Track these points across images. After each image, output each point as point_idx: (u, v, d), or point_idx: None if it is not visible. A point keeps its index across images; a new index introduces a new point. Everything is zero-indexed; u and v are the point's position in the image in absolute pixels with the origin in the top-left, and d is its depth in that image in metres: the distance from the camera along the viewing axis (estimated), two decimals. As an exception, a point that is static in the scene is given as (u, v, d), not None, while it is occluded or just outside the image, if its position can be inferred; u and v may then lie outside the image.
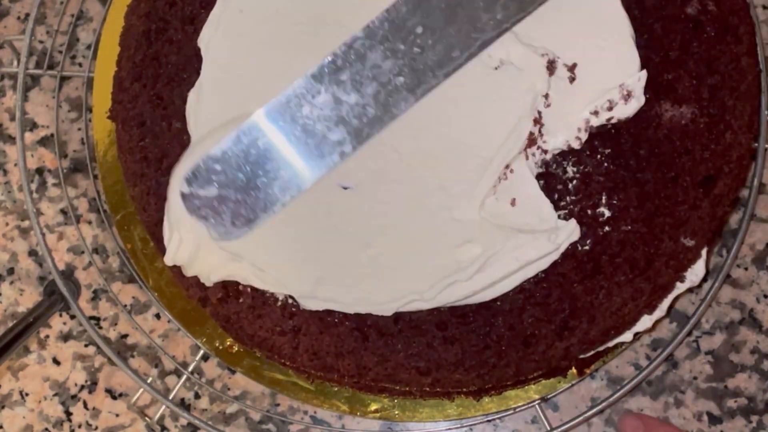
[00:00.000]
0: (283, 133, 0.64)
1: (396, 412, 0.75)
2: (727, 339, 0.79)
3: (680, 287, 0.69)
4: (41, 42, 0.89)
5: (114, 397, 0.82)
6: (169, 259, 0.71)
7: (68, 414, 0.82)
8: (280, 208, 0.66)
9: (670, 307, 0.70)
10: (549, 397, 0.76)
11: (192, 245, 0.70)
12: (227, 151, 0.65)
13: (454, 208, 0.67)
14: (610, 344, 0.71)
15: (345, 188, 0.69)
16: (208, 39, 0.73)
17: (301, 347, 0.72)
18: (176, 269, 0.74)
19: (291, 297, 0.71)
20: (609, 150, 0.70)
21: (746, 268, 0.80)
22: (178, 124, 0.74)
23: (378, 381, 0.72)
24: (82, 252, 0.84)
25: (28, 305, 0.84)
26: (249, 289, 0.72)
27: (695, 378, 0.78)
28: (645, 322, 0.70)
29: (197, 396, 0.81)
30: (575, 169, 0.70)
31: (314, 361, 0.72)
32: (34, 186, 0.86)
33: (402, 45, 0.62)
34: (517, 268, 0.67)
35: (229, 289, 0.72)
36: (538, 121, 0.68)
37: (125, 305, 0.83)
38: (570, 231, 0.67)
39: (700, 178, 0.69)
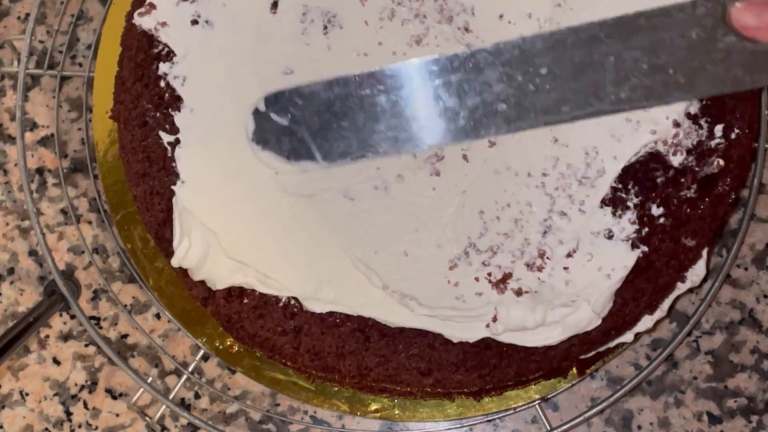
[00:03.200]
0: (371, 96, 0.63)
1: (396, 412, 0.75)
2: (727, 339, 0.79)
3: (681, 287, 0.69)
4: (41, 42, 0.89)
5: (114, 397, 0.82)
6: (176, 262, 0.71)
7: (68, 414, 0.82)
8: (345, 163, 0.66)
9: (671, 307, 0.71)
10: (549, 397, 0.76)
11: (201, 251, 0.70)
12: (316, 92, 0.64)
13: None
14: (611, 344, 0.71)
15: (351, 199, 0.70)
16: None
17: (302, 347, 0.72)
18: (182, 270, 0.74)
19: (293, 298, 0.71)
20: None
21: (746, 268, 0.80)
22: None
23: (379, 381, 0.72)
24: (82, 252, 0.84)
25: (28, 305, 0.84)
26: (254, 290, 0.72)
27: (695, 378, 0.78)
28: (646, 322, 0.70)
29: (197, 396, 0.81)
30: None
31: (315, 362, 0.72)
32: (34, 186, 0.86)
33: (520, 77, 0.61)
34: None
35: (232, 288, 0.72)
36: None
37: (125, 305, 0.83)
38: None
39: (700, 178, 0.69)
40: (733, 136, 0.69)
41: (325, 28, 0.73)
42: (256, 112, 0.66)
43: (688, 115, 0.69)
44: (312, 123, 0.64)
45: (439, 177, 0.70)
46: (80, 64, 0.88)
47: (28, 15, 0.89)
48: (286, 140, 0.65)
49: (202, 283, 0.73)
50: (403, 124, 0.63)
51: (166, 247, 0.74)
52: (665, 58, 0.58)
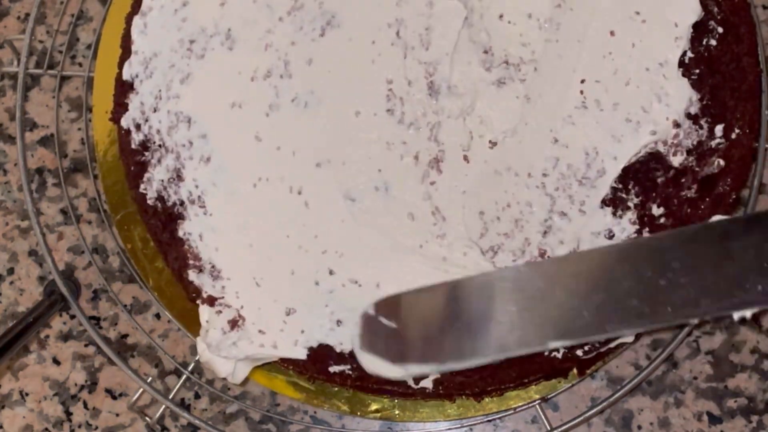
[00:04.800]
0: (488, 303, 0.61)
1: (396, 412, 0.75)
2: (727, 339, 0.79)
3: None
4: (41, 42, 0.89)
5: (114, 397, 0.82)
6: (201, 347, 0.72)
7: (68, 414, 0.82)
8: (447, 368, 0.63)
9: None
10: (549, 397, 0.76)
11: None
12: (426, 297, 0.63)
13: None
14: (611, 345, 0.71)
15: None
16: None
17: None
18: (177, 272, 0.74)
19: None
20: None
21: (746, 268, 0.80)
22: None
23: (380, 383, 0.72)
24: (82, 252, 0.84)
25: (28, 305, 0.84)
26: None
27: (695, 378, 0.78)
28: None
29: (197, 396, 0.81)
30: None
31: (316, 364, 0.72)
32: (34, 186, 0.86)
33: (649, 272, 0.58)
34: None
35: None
36: None
37: (125, 305, 0.83)
38: None
39: (700, 178, 0.69)
40: (733, 136, 0.69)
41: None
42: (365, 316, 0.64)
43: (689, 116, 0.69)
44: (420, 328, 0.63)
45: (440, 176, 0.70)
46: (80, 64, 0.88)
47: (28, 15, 0.89)
48: (393, 343, 0.63)
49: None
50: (523, 325, 0.60)
51: (164, 249, 0.75)
52: None
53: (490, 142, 0.70)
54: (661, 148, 0.69)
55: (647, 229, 0.69)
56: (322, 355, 0.71)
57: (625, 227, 0.68)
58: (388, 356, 0.62)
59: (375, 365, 0.63)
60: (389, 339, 0.63)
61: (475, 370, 0.70)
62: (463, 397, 0.74)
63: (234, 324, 0.71)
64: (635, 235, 0.68)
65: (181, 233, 0.73)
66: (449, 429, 0.77)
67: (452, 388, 0.72)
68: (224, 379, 0.72)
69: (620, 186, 0.69)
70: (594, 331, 0.59)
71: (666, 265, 0.58)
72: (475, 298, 0.61)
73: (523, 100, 0.70)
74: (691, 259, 0.58)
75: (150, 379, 0.77)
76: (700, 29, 0.71)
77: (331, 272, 0.71)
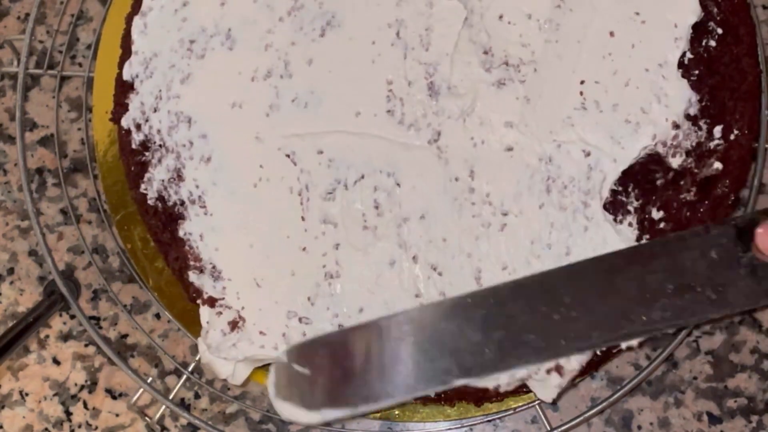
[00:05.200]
0: (394, 345, 0.63)
1: (396, 412, 0.75)
2: (727, 339, 0.79)
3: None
4: (41, 42, 0.89)
5: (114, 397, 0.82)
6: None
7: (68, 414, 0.82)
8: (361, 411, 0.64)
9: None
10: (549, 397, 0.76)
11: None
12: (337, 340, 0.65)
13: None
14: (615, 350, 0.71)
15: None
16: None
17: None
18: (177, 273, 0.74)
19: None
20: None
21: (746, 269, 0.80)
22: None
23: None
24: (82, 252, 0.84)
25: (28, 305, 0.84)
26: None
27: (695, 378, 0.78)
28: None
29: (197, 396, 0.81)
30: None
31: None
32: (34, 186, 0.86)
33: (543, 307, 0.60)
34: None
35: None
36: None
37: (125, 305, 0.83)
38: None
39: (699, 180, 0.69)
40: (732, 137, 0.69)
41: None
42: (278, 366, 0.65)
43: (688, 117, 0.69)
44: (334, 371, 0.63)
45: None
46: (80, 64, 0.88)
47: (28, 15, 0.89)
48: (307, 390, 0.64)
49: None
50: (428, 364, 0.61)
51: (164, 249, 0.75)
52: (690, 278, 0.58)
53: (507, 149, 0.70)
54: (661, 150, 0.69)
55: (647, 235, 0.69)
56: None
57: (627, 235, 0.68)
58: (303, 403, 0.63)
59: (291, 413, 0.64)
60: (303, 385, 0.63)
61: None
62: (464, 402, 0.74)
63: (234, 325, 0.71)
64: (636, 242, 0.68)
65: (181, 233, 0.73)
66: (449, 429, 0.77)
67: (453, 394, 0.72)
68: (224, 379, 0.72)
69: (620, 188, 0.69)
70: (497, 367, 0.61)
71: (558, 299, 0.60)
72: (381, 340, 0.62)
73: (523, 101, 0.70)
74: (581, 293, 0.60)
75: (150, 379, 0.77)
76: (699, 30, 0.71)
77: (332, 275, 0.70)
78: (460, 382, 0.61)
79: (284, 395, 0.64)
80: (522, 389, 0.73)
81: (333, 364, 0.63)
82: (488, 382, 0.69)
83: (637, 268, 0.59)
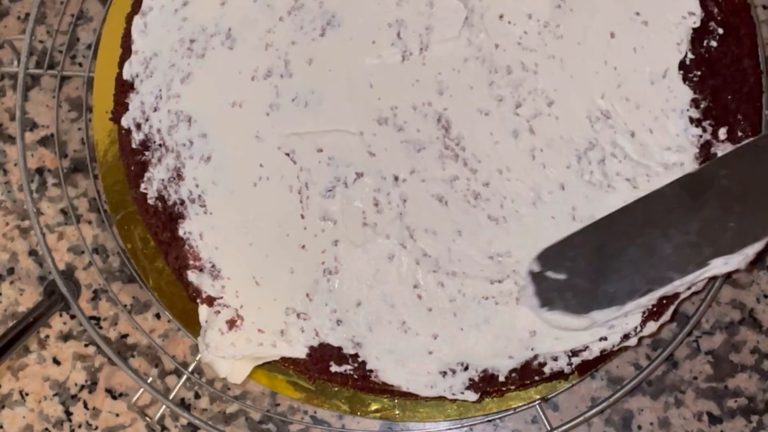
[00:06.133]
0: (638, 231, 0.64)
1: (396, 412, 0.75)
2: (727, 339, 0.79)
3: (685, 291, 0.69)
4: (41, 42, 0.89)
5: (114, 397, 0.82)
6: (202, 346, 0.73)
7: (68, 414, 0.82)
8: (621, 309, 0.66)
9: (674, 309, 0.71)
10: (549, 397, 0.76)
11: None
12: (584, 239, 0.65)
13: None
14: (615, 348, 0.71)
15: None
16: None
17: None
18: (177, 272, 0.74)
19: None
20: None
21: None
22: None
23: (382, 384, 0.72)
24: (82, 252, 0.84)
25: (28, 305, 0.84)
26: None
27: (695, 378, 0.78)
28: (651, 327, 0.70)
29: (197, 396, 0.81)
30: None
31: (317, 364, 0.72)
32: (34, 186, 0.86)
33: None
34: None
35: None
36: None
37: (125, 305, 0.83)
38: None
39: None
40: (734, 137, 0.70)
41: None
42: (533, 274, 0.66)
43: (691, 119, 0.69)
44: (588, 272, 0.64)
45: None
46: (80, 64, 0.88)
47: (28, 15, 0.89)
48: (569, 295, 0.65)
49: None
50: (677, 247, 0.63)
51: (164, 248, 0.75)
52: None
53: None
54: None
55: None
56: (322, 354, 0.71)
57: None
58: (568, 309, 0.65)
59: (560, 321, 0.66)
60: (562, 292, 0.65)
61: None
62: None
63: (232, 324, 0.71)
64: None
65: (181, 232, 0.73)
66: (449, 429, 0.77)
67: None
68: (224, 378, 0.72)
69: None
70: (744, 242, 0.62)
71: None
72: (630, 229, 0.64)
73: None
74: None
75: (150, 379, 0.77)
76: (700, 31, 0.71)
77: (330, 271, 0.71)
78: (717, 261, 0.63)
79: (547, 305, 0.66)
80: (521, 387, 0.73)
81: (587, 263, 0.64)
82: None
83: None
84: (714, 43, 0.71)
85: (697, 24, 0.70)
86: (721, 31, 0.71)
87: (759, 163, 0.63)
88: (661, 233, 0.63)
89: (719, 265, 0.63)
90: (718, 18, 0.71)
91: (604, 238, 0.64)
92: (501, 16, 0.72)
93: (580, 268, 0.65)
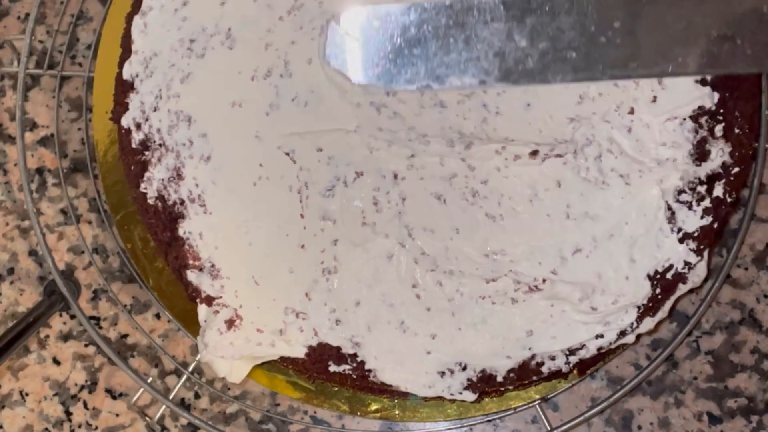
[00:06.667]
0: (445, 29, 0.63)
1: (396, 412, 0.75)
2: (727, 339, 0.79)
3: (682, 288, 0.69)
4: (41, 42, 0.89)
5: (114, 397, 0.82)
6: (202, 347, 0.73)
7: (68, 414, 0.82)
8: (408, 89, 0.66)
9: (671, 307, 0.70)
10: (549, 397, 0.76)
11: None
12: (392, 15, 0.64)
13: None
14: (613, 345, 0.71)
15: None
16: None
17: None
18: (177, 272, 0.74)
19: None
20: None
21: (746, 268, 0.80)
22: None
23: (380, 384, 0.72)
24: (82, 252, 0.84)
25: (28, 305, 0.84)
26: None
27: (695, 378, 0.78)
28: (648, 323, 0.70)
29: (197, 396, 0.81)
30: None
31: (316, 363, 0.72)
32: (34, 186, 0.86)
33: (593, 27, 0.61)
34: None
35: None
36: None
37: (125, 305, 0.83)
38: None
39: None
40: (733, 136, 0.69)
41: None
42: (332, 28, 0.66)
43: (691, 118, 0.69)
44: (384, 46, 0.64)
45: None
46: (80, 64, 0.88)
47: (28, 15, 0.89)
48: (356, 60, 0.65)
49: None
50: (472, 59, 0.62)
51: (164, 248, 0.75)
52: (734, 29, 0.58)
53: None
54: None
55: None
56: (321, 354, 0.71)
57: None
58: (348, 70, 0.65)
59: (335, 78, 0.67)
60: (353, 54, 0.65)
61: None
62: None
63: (231, 324, 0.71)
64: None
65: (181, 232, 0.73)
66: (449, 429, 0.77)
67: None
68: (224, 378, 0.72)
69: None
70: (534, 78, 0.62)
71: (609, 22, 0.60)
72: (436, 27, 0.63)
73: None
74: (631, 21, 0.60)
75: (150, 379, 0.77)
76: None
77: (330, 271, 0.71)
78: (497, 86, 0.63)
79: (332, 57, 0.66)
80: (520, 387, 0.73)
81: (384, 38, 0.64)
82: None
83: (689, 5, 0.59)
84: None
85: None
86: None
87: (577, 13, 0.61)
88: (465, 39, 0.63)
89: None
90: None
91: (416, 23, 0.64)
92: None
93: (379, 40, 0.65)
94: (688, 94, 0.69)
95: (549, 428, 0.74)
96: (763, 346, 0.78)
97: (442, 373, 0.70)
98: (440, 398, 0.73)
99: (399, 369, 0.70)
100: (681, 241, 0.68)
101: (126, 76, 0.75)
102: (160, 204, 0.74)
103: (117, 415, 0.82)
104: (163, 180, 0.74)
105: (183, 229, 0.73)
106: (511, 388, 0.72)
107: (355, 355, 0.71)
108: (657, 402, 0.78)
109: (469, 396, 0.70)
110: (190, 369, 0.79)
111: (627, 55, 0.60)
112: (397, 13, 0.64)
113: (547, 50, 0.61)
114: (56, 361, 0.83)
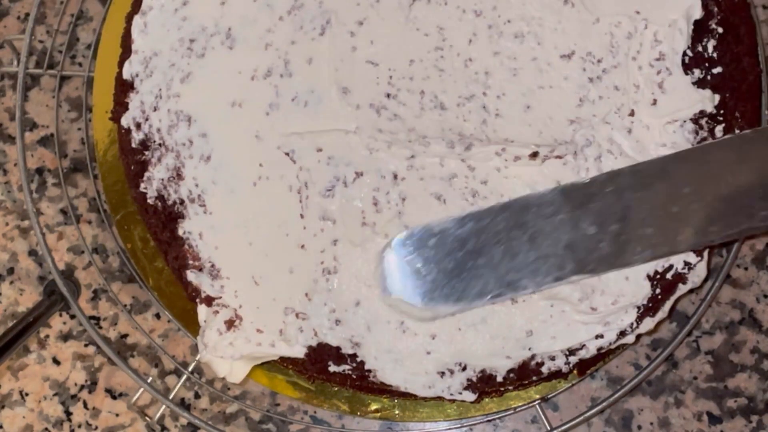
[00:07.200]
0: (506, 233, 0.61)
1: (396, 412, 0.75)
2: (727, 339, 0.79)
3: (682, 288, 0.69)
4: (41, 42, 0.89)
5: (114, 397, 0.82)
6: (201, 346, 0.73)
7: (68, 414, 0.82)
8: (481, 304, 0.64)
9: (671, 307, 0.70)
10: (549, 397, 0.76)
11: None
12: (448, 230, 0.63)
13: None
14: (613, 345, 0.71)
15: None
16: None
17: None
18: (176, 272, 0.74)
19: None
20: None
21: (746, 268, 0.80)
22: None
23: (380, 384, 0.72)
24: (82, 252, 0.84)
25: (28, 305, 0.84)
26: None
27: (695, 378, 0.78)
28: (648, 323, 0.70)
29: (197, 396, 0.81)
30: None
31: (316, 363, 0.72)
32: (34, 186, 0.86)
33: (663, 198, 0.58)
34: None
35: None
36: None
37: (125, 305, 0.83)
38: None
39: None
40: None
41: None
42: (386, 256, 0.64)
43: (691, 119, 0.69)
44: (445, 264, 0.62)
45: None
46: (80, 64, 0.88)
47: (27, 15, 0.89)
48: (419, 283, 0.63)
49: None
50: (541, 257, 0.59)
51: (164, 248, 0.75)
52: None
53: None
54: None
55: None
56: (321, 354, 0.71)
57: None
58: (413, 297, 0.62)
59: (402, 306, 0.64)
60: (415, 278, 0.62)
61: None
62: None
63: (230, 324, 0.71)
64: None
65: (181, 232, 0.73)
66: (449, 429, 0.77)
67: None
68: (224, 378, 0.72)
69: None
70: (612, 263, 0.59)
71: (677, 190, 0.57)
72: (497, 232, 0.60)
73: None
74: (702, 183, 0.57)
75: (150, 379, 0.77)
76: (700, 30, 0.71)
77: (329, 271, 0.71)
78: (575, 278, 0.59)
79: (392, 286, 0.63)
80: (520, 387, 0.73)
81: (447, 255, 0.61)
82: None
83: (762, 154, 0.56)
84: (713, 42, 0.71)
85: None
86: (720, 30, 0.71)
87: (643, 187, 0.59)
88: (529, 239, 0.60)
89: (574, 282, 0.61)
90: (718, 17, 0.71)
91: (474, 232, 0.61)
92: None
93: (440, 258, 0.62)
94: (688, 97, 0.69)
95: (549, 428, 0.74)
96: (763, 346, 0.78)
97: (442, 373, 0.70)
98: (440, 398, 0.73)
99: (399, 369, 0.70)
100: None
101: (126, 75, 0.75)
102: (159, 204, 0.74)
103: (117, 415, 0.82)
104: (162, 180, 0.74)
105: (183, 229, 0.73)
106: (511, 388, 0.72)
107: (354, 355, 0.71)
108: (657, 402, 0.78)
109: (469, 396, 0.70)
110: (190, 369, 0.79)
111: (706, 219, 0.57)
112: (453, 228, 0.61)
113: (619, 232, 0.58)
114: (56, 361, 0.83)
